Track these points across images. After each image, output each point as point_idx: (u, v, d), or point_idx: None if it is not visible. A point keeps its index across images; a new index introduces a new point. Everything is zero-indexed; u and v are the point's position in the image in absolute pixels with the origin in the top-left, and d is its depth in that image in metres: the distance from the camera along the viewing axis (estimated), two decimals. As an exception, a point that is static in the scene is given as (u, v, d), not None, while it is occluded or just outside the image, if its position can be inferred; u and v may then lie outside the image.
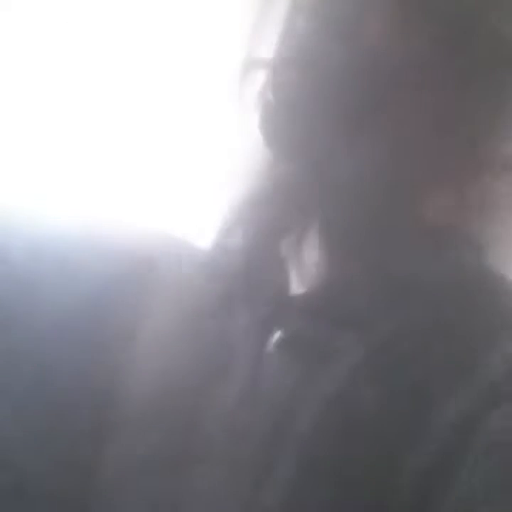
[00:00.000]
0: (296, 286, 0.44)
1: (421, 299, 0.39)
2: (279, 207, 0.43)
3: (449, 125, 0.39)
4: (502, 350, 0.35)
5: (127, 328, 0.45)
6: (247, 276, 0.44)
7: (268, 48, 0.43)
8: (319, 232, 0.42)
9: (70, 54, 0.76)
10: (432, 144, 0.39)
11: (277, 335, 0.42)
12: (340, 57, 0.39)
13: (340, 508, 0.35)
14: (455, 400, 0.34)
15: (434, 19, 0.37)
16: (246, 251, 0.45)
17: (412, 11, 0.38)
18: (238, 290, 0.44)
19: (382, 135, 0.39)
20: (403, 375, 0.36)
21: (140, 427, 0.43)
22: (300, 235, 0.43)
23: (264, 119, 0.42)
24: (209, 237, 0.48)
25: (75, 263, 0.45)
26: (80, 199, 0.57)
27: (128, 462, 0.42)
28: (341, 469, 0.35)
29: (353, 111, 0.39)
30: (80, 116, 0.76)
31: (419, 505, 0.33)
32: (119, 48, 0.76)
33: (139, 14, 0.75)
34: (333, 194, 0.40)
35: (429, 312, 0.38)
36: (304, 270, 0.43)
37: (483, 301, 0.39)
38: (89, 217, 0.51)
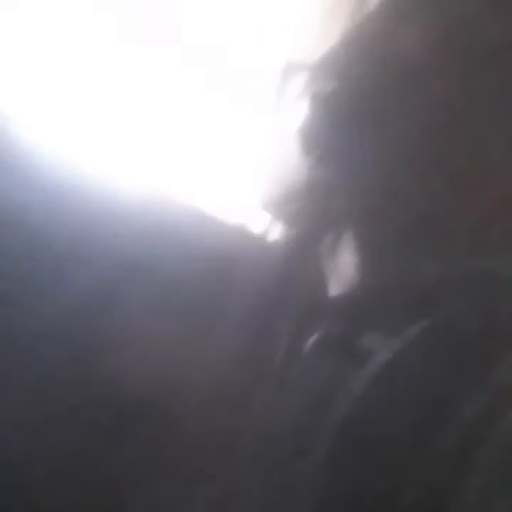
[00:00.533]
0: (331, 289, 0.45)
1: (451, 302, 0.39)
2: (314, 210, 0.44)
3: (485, 129, 0.39)
4: None
5: (200, 327, 0.44)
6: (283, 277, 0.45)
7: (310, 51, 0.44)
8: (354, 235, 0.43)
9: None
10: (468, 148, 0.39)
11: (313, 336, 0.42)
12: (377, 66, 0.40)
13: (368, 500, 0.35)
14: (472, 399, 0.34)
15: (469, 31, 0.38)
16: (282, 253, 0.46)
17: (450, 25, 0.39)
18: (275, 291, 0.45)
19: (418, 140, 0.39)
20: (428, 375, 0.36)
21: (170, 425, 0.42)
22: (335, 238, 0.44)
23: (301, 126, 0.43)
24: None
25: (147, 259, 0.45)
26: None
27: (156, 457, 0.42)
28: (370, 466, 0.35)
29: (388, 117, 0.40)
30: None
31: (436, 497, 0.33)
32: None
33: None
34: (367, 199, 0.41)
35: (457, 314, 0.38)
36: (338, 273, 0.44)
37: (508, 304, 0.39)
38: (164, 208, 0.49)
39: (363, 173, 0.41)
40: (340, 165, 0.42)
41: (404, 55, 0.39)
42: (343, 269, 0.44)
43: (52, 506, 0.41)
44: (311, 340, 0.42)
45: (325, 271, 0.45)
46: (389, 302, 0.40)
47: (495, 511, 0.30)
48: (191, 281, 0.45)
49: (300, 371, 0.42)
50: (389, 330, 0.39)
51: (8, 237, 0.44)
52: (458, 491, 0.32)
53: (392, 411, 0.36)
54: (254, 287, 0.45)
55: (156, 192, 0.51)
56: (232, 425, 0.41)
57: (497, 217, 0.40)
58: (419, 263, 0.40)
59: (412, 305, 0.39)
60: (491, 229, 0.40)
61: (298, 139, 0.43)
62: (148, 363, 0.43)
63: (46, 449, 0.41)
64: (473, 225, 0.40)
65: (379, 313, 0.41)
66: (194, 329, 0.44)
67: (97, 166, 0.49)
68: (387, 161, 0.40)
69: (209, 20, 0.75)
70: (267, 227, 0.47)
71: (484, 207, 0.40)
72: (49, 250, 0.44)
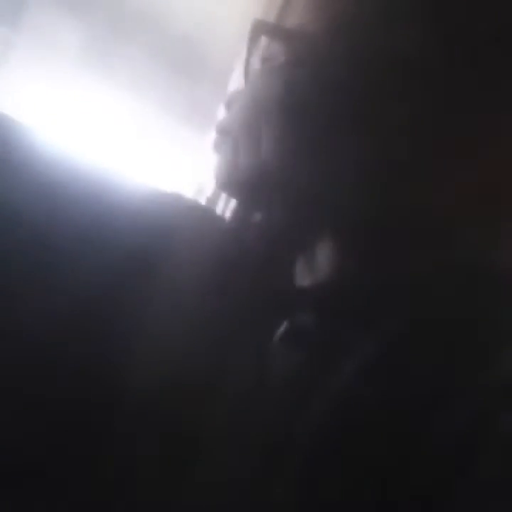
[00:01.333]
0: (305, 281, 0.44)
1: (429, 297, 0.38)
2: (289, 203, 0.43)
3: (448, 124, 0.38)
4: None
5: (139, 307, 0.44)
6: (257, 267, 0.44)
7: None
8: (329, 228, 0.43)
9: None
10: (433, 144, 0.39)
11: (283, 326, 0.42)
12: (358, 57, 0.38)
13: (351, 502, 0.34)
14: (465, 399, 0.33)
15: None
16: (256, 241, 0.44)
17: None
18: (247, 279, 0.43)
19: (386, 134, 0.38)
20: (411, 373, 0.35)
21: (145, 420, 0.42)
22: (311, 229, 0.43)
23: (274, 96, 0.41)
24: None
25: (87, 234, 0.44)
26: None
27: (133, 458, 0.41)
28: (350, 465, 0.34)
29: (355, 107, 0.39)
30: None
31: (429, 499, 0.32)
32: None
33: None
34: (339, 193, 0.40)
35: (438, 310, 0.38)
36: (313, 265, 0.44)
37: (492, 298, 0.38)
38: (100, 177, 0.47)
39: (332, 165, 0.40)
40: (312, 154, 0.41)
41: (390, 51, 0.38)
42: (317, 262, 0.43)
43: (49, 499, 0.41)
44: (283, 331, 0.41)
45: (298, 263, 0.45)
46: (364, 299, 0.40)
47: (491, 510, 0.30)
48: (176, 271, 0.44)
49: (273, 364, 0.41)
50: (364, 324, 0.38)
51: (7, 232, 0.45)
52: (450, 491, 0.31)
53: (381, 404, 0.35)
54: (227, 279, 0.44)
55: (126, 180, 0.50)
56: (203, 418, 0.40)
57: (460, 216, 0.41)
58: (393, 260, 0.40)
59: (389, 302, 0.39)
60: (457, 227, 0.41)
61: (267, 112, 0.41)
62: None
63: (44, 438, 0.41)
64: (440, 224, 0.40)
65: (354, 309, 0.40)
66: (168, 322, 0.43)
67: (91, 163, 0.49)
68: (355, 154, 0.39)
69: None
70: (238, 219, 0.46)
71: (459, 205, 0.40)
72: (48, 245, 0.44)
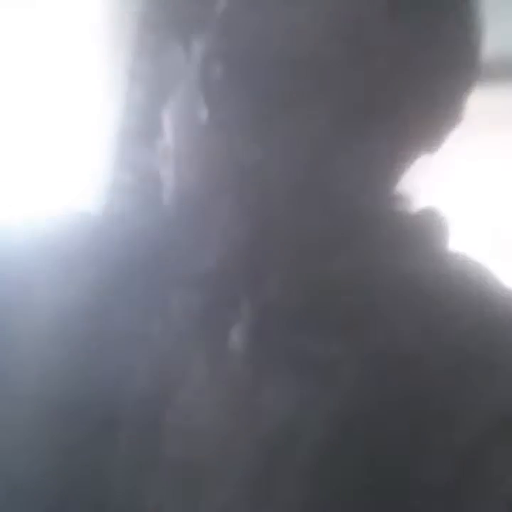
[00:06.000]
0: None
1: (406, 302, 0.37)
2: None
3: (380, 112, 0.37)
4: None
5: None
6: (180, 249, 0.40)
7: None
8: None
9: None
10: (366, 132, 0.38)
11: (239, 331, 0.38)
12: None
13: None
14: (457, 420, 0.33)
15: None
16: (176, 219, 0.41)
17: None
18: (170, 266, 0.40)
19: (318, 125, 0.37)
20: (398, 388, 0.35)
21: None
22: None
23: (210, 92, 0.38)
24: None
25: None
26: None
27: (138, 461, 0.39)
28: (344, 487, 0.34)
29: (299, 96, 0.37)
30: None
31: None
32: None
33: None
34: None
35: (417, 317, 0.36)
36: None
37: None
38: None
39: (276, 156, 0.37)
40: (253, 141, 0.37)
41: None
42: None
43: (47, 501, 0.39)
44: (242, 338, 0.37)
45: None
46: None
47: None
48: None
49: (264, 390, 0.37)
50: (346, 341, 0.35)
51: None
52: None
53: (375, 428, 0.34)
54: None
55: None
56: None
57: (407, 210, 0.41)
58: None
59: (368, 311, 0.36)
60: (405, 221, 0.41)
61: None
62: None
63: (41, 447, 0.38)
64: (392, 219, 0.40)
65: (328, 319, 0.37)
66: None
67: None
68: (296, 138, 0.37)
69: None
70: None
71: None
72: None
